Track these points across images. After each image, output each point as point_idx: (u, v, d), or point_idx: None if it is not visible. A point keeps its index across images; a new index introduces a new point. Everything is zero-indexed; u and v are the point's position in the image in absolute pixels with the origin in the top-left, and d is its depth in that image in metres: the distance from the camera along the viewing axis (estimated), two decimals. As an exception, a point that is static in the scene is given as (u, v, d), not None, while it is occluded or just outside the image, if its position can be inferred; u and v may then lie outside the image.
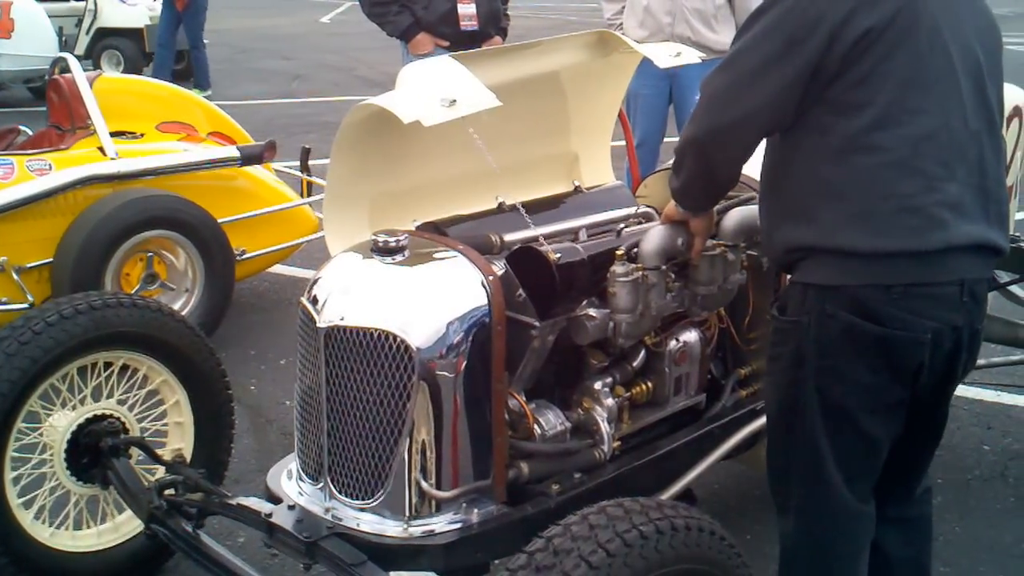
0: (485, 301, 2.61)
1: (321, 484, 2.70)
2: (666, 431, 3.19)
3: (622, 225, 3.04)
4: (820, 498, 2.55)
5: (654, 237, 2.85)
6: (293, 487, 2.80)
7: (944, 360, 2.42)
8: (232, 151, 5.22)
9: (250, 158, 5.23)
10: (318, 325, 2.60)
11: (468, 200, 3.14)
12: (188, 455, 3.30)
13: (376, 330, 2.54)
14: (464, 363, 2.59)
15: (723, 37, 5.69)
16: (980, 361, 4.01)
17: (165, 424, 3.32)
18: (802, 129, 2.41)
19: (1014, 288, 4.30)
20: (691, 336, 3.18)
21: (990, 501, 4.03)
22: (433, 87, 2.74)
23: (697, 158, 2.50)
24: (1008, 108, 4.13)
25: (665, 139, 6.24)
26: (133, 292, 4.83)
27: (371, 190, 3.00)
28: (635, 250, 2.89)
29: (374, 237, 2.65)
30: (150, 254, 4.93)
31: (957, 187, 2.32)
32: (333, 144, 2.86)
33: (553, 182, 3.43)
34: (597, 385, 2.98)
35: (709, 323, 3.28)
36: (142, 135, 5.39)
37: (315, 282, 2.71)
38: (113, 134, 5.11)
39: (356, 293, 2.61)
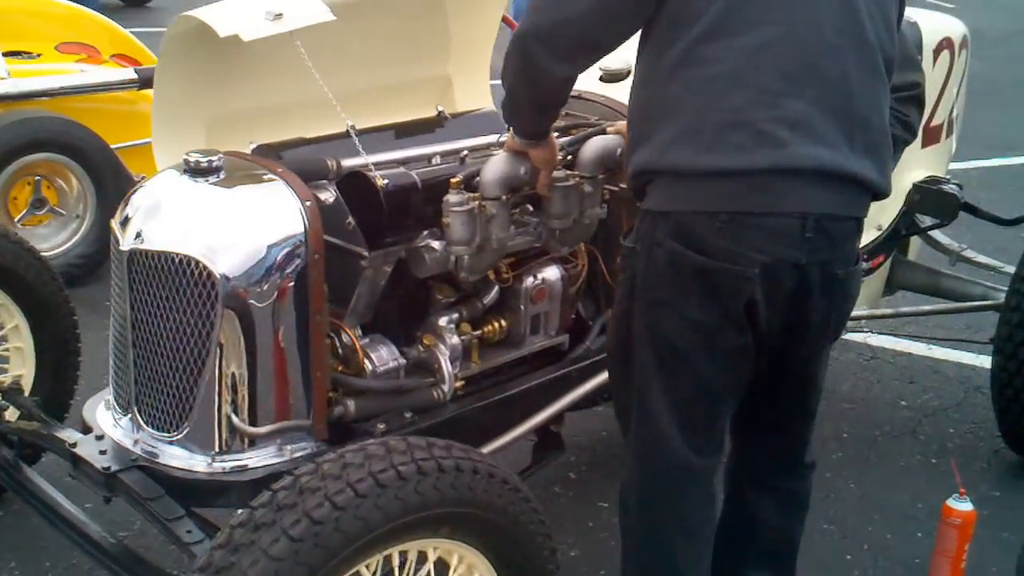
0: (301, 228, 2.57)
1: (131, 415, 2.69)
2: (525, 372, 3.18)
3: (465, 152, 3.00)
4: (650, 442, 2.51)
5: (494, 165, 2.81)
6: (107, 418, 2.79)
7: (788, 303, 2.33)
8: (130, 73, 5.18)
9: (149, 81, 5.16)
10: (120, 247, 2.58)
11: (319, 123, 3.09)
12: (28, 384, 3.30)
13: (178, 255, 2.50)
14: (277, 293, 2.56)
15: None
16: (887, 310, 4.01)
17: (6, 350, 3.31)
18: (647, 48, 2.37)
19: (938, 235, 4.25)
20: (551, 273, 3.15)
21: (894, 458, 4.03)
22: (263, -1, 2.71)
23: (521, 60, 2.41)
24: (935, 39, 4.08)
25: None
26: (19, 217, 4.84)
27: (208, 108, 2.96)
28: (478, 179, 2.86)
29: (186, 156, 2.62)
30: (38, 178, 4.90)
31: (804, 105, 2.23)
32: (158, 57, 2.84)
33: (420, 106, 3.37)
34: (442, 321, 2.96)
35: (577, 260, 3.26)
36: (39, 55, 5.34)
37: (126, 202, 2.69)
38: (9, 54, 5.07)
39: (161, 215, 2.58)
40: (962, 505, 3.12)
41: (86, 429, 2.79)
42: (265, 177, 2.65)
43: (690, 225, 2.29)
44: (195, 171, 2.60)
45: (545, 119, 2.62)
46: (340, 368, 2.83)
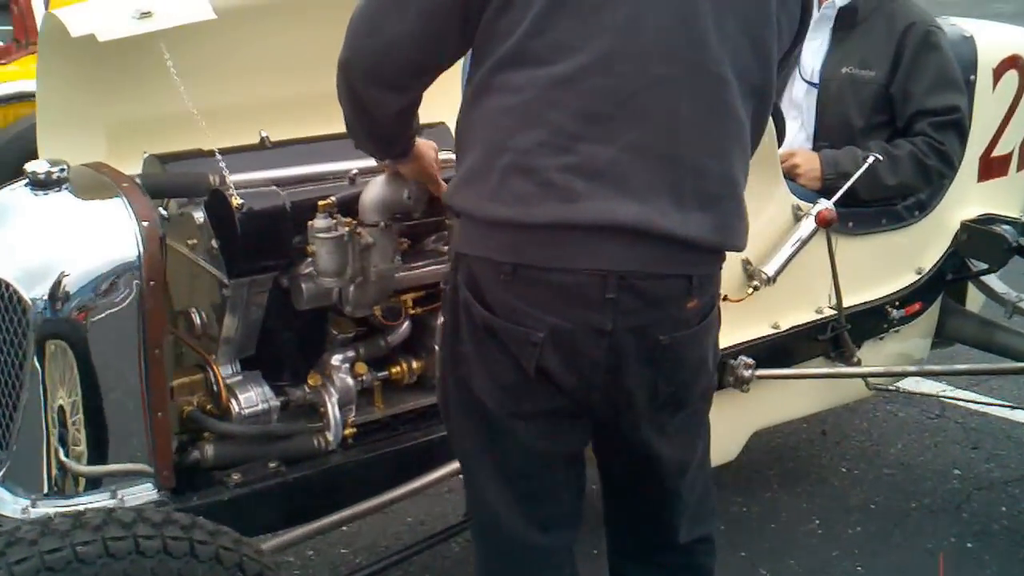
0: (135, 252, 2.31)
1: (-38, 449, 2.48)
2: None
3: (355, 171, 2.66)
4: (484, 519, 2.21)
5: (374, 187, 2.52)
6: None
7: (600, 373, 1.96)
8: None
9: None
10: (-60, 263, 2.37)
11: (235, 133, 2.83)
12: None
13: (-11, 276, 2.28)
14: (105, 322, 2.31)
15: None
16: (909, 367, 3.51)
17: None
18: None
19: (993, 281, 3.69)
20: (474, 310, 2.80)
21: (923, 538, 3.50)
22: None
23: (349, 93, 2.11)
24: (996, 56, 3.56)
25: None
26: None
27: (107, 115, 2.77)
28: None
29: (26, 166, 2.40)
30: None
31: (612, 151, 1.85)
32: (38, 59, 2.64)
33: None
34: (334, 360, 2.68)
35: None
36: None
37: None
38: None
39: (-14, 230, 2.37)
40: (944, 613, 2.62)
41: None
42: (108, 193, 2.40)
43: (478, 273, 1.97)
44: (35, 183, 2.38)
45: (394, 147, 2.29)
46: (209, 407, 2.57)
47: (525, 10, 1.84)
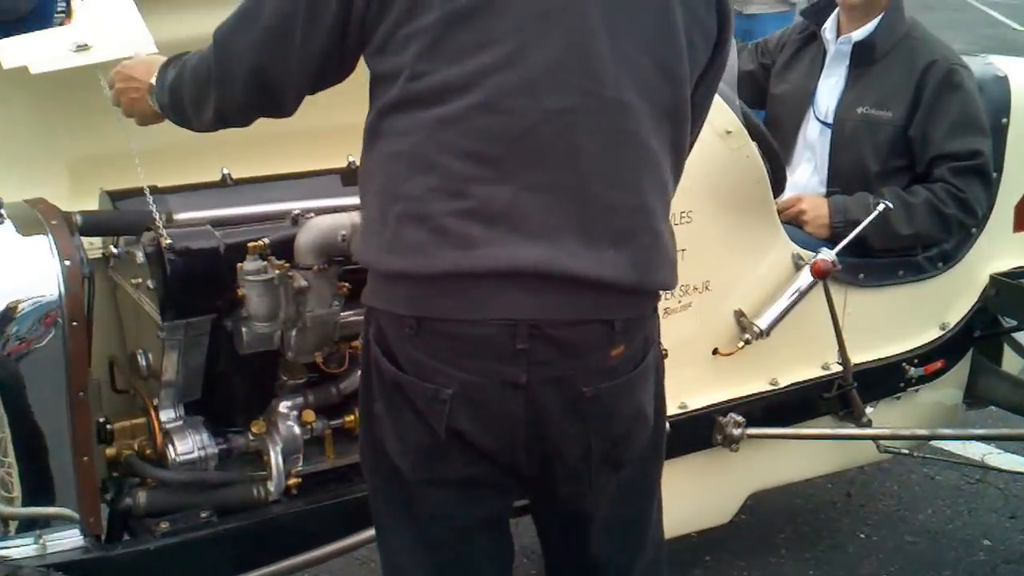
0: (56, 292, 2.25)
1: None
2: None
3: (297, 211, 2.56)
4: None
5: (311, 228, 2.43)
6: None
7: (522, 430, 1.83)
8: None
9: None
10: None
11: (199, 169, 2.77)
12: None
13: (-96, 312, 2.24)
14: (30, 363, 2.26)
15: None
16: (920, 430, 3.29)
17: None
18: None
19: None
20: (433, 359, 2.69)
21: (937, 613, 3.26)
22: (88, 27, 2.45)
23: (233, 122, 2.05)
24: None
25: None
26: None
27: (70, 148, 2.76)
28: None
29: None
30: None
31: (510, 192, 1.74)
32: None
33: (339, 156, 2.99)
34: (282, 407, 2.60)
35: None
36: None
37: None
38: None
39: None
40: None
41: None
42: (36, 230, 2.35)
43: (385, 328, 1.86)
44: (-28, 219, 2.35)
45: None
46: (148, 452, 2.51)
47: (403, 54, 1.75)
